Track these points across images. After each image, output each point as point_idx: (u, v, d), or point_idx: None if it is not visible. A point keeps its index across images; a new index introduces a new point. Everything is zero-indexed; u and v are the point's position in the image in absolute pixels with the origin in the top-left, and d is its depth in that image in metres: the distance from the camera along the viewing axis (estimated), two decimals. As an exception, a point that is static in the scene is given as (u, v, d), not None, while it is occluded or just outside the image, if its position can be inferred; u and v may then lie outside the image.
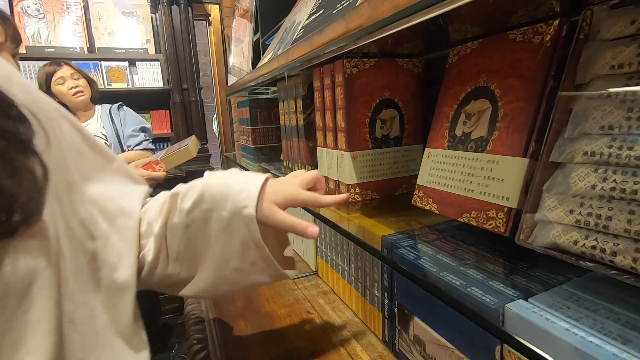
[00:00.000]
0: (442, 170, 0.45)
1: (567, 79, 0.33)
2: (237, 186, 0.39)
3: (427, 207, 0.47)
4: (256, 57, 1.55)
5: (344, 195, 0.45)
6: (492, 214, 0.38)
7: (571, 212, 0.30)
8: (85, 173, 0.37)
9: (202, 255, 0.41)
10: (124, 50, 2.02)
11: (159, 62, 2.10)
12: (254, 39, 1.55)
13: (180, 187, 0.42)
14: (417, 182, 0.49)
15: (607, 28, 0.30)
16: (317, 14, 0.68)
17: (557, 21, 0.35)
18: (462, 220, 0.41)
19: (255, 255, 0.40)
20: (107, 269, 0.36)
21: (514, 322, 0.31)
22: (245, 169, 0.78)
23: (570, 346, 0.26)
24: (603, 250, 0.27)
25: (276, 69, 0.73)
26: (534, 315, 0.30)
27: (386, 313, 0.52)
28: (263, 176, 0.41)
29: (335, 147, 0.59)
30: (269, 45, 1.47)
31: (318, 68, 0.61)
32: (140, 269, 0.41)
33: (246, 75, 1.06)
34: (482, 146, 0.40)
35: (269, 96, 1.37)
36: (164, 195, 0.43)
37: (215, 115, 2.75)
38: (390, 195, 0.60)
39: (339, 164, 0.59)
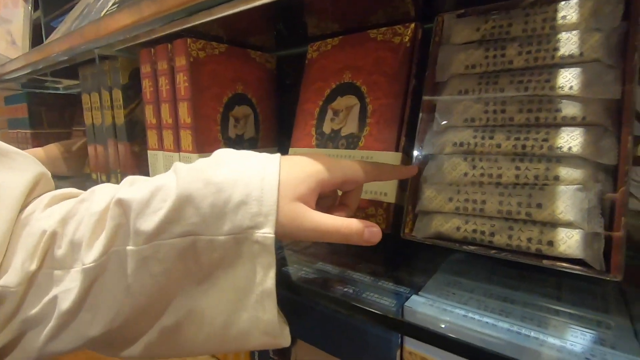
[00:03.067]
0: (311, 171, 0.42)
1: (428, 77, 0.35)
2: (242, 189, 0.23)
3: (298, 212, 0.42)
4: (38, 41, 1.17)
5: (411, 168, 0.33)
6: (372, 211, 0.37)
7: (450, 200, 0.31)
8: None
9: (165, 305, 0.24)
10: None
11: None
12: (33, 19, 1.17)
13: (131, 191, 0.24)
14: (284, 186, 0.44)
15: (457, 33, 0.34)
16: (137, -12, 0.54)
17: (413, 24, 0.37)
18: (339, 222, 0.39)
19: (255, 310, 0.23)
20: None
21: (415, 319, 0.29)
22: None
23: (474, 331, 0.26)
24: (482, 233, 0.29)
25: (76, 47, 0.54)
26: (432, 309, 0.29)
27: (256, 344, 0.43)
28: (274, 161, 0.25)
29: (177, 149, 0.47)
30: (55, 28, 1.13)
31: (148, 49, 0.48)
32: (38, 319, 0.24)
33: (24, 54, 0.76)
34: (354, 142, 0.39)
35: (60, 90, 1.05)
36: (104, 194, 0.25)
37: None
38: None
39: (183, 169, 0.47)
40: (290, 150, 0.44)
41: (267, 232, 0.22)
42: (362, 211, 0.37)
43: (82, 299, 0.24)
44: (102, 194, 0.26)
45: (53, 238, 0.25)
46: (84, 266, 0.23)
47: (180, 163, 0.25)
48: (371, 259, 0.40)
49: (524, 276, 0.33)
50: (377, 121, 0.38)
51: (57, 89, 1.10)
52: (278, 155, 0.26)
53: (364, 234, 0.25)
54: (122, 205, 0.24)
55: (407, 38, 0.37)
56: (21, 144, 0.99)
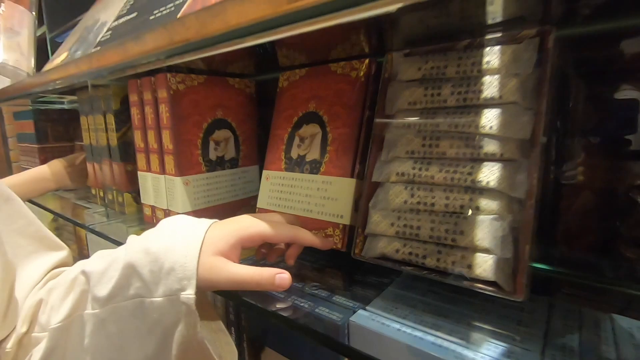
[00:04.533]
0: (281, 192, 0.46)
1: (379, 110, 0.39)
2: (171, 257, 0.27)
3: (269, 230, 0.46)
4: (42, 55, 1.23)
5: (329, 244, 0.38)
6: (330, 231, 0.40)
7: (392, 225, 0.35)
8: None
9: None
10: None
11: None
12: (38, 34, 1.23)
13: (94, 263, 0.29)
14: (257, 205, 0.48)
15: (404, 71, 0.37)
16: (129, 17, 0.58)
17: (367, 60, 0.41)
18: (304, 240, 0.43)
19: (195, 357, 0.28)
20: None
21: (358, 333, 0.33)
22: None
23: (403, 344, 0.30)
24: (417, 255, 0.33)
25: (75, 76, 0.59)
26: (373, 323, 0.33)
27: (234, 349, 0.48)
28: (203, 229, 0.30)
29: (163, 171, 0.51)
30: (61, 43, 1.19)
31: (135, 80, 0.52)
32: None
33: (28, 78, 0.82)
34: (316, 168, 0.43)
35: (65, 106, 1.10)
36: (77, 267, 0.31)
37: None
38: (229, 220, 0.57)
39: (168, 191, 0.51)
40: (264, 172, 0.48)
41: (189, 294, 0.26)
42: (322, 231, 0.41)
43: (47, 357, 0.28)
44: (76, 269, 0.31)
45: (39, 305, 0.30)
46: (50, 327, 0.28)
47: (134, 236, 0.30)
48: (332, 275, 0.44)
49: (463, 291, 0.37)
50: (336, 149, 0.42)
51: (62, 102, 1.16)
52: (212, 221, 0.31)
53: (274, 280, 0.30)
54: (85, 275, 0.29)
55: (362, 72, 0.41)
56: (29, 157, 1.05)
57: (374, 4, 0.22)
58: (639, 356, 0.28)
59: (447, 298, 0.36)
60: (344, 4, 0.23)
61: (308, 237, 0.36)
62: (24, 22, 1.31)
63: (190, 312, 0.26)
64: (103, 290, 0.28)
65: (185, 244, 0.28)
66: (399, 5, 0.22)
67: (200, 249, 0.28)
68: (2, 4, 1.45)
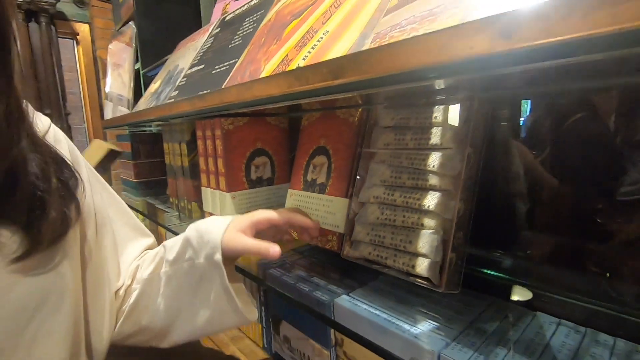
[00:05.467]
0: (299, 206, 0.61)
1: (365, 147, 0.52)
2: (209, 234, 0.43)
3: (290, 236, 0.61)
4: (136, 86, 1.55)
5: (315, 225, 0.49)
6: (330, 237, 0.54)
7: (367, 234, 0.47)
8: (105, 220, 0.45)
9: (180, 309, 0.45)
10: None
11: (12, 85, 1.85)
12: (135, 68, 1.55)
13: (170, 240, 0.47)
14: (283, 215, 0.63)
15: (382, 119, 0.50)
16: (199, 67, 0.78)
17: (360, 109, 0.54)
18: (312, 244, 0.57)
19: (224, 303, 0.42)
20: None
21: (339, 310, 0.46)
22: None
23: (365, 318, 0.43)
24: (381, 257, 0.45)
25: (160, 117, 0.80)
26: (349, 304, 0.46)
27: (264, 323, 0.63)
28: (230, 217, 0.45)
29: (217, 187, 0.69)
30: (150, 77, 1.49)
31: (200, 121, 0.72)
32: (123, 310, 0.46)
33: (128, 114, 1.08)
34: (323, 189, 0.57)
35: (152, 129, 1.39)
36: (162, 244, 0.49)
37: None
38: (266, 226, 0.73)
39: (221, 202, 0.69)
40: (288, 190, 0.64)
41: (218, 257, 0.42)
42: (324, 237, 0.55)
43: (139, 299, 0.46)
44: (163, 244, 0.49)
45: (137, 268, 0.49)
46: (142, 278, 0.46)
47: (193, 223, 0.46)
48: (333, 270, 0.57)
49: (425, 287, 0.48)
50: (337, 176, 0.55)
51: (150, 126, 1.45)
52: (236, 216, 0.46)
53: (269, 251, 0.42)
54: (164, 247, 0.47)
55: (356, 119, 0.54)
56: (126, 169, 1.35)
57: (333, 95, 0.36)
58: (534, 339, 0.37)
59: (412, 291, 0.48)
60: (317, 93, 0.37)
61: (300, 219, 0.49)
62: (126, 57, 1.65)
63: (219, 267, 0.42)
64: (171, 255, 0.45)
65: (218, 226, 0.44)
66: (307, 102, 0.35)
67: (226, 229, 0.43)
68: (112, 42, 1.83)
